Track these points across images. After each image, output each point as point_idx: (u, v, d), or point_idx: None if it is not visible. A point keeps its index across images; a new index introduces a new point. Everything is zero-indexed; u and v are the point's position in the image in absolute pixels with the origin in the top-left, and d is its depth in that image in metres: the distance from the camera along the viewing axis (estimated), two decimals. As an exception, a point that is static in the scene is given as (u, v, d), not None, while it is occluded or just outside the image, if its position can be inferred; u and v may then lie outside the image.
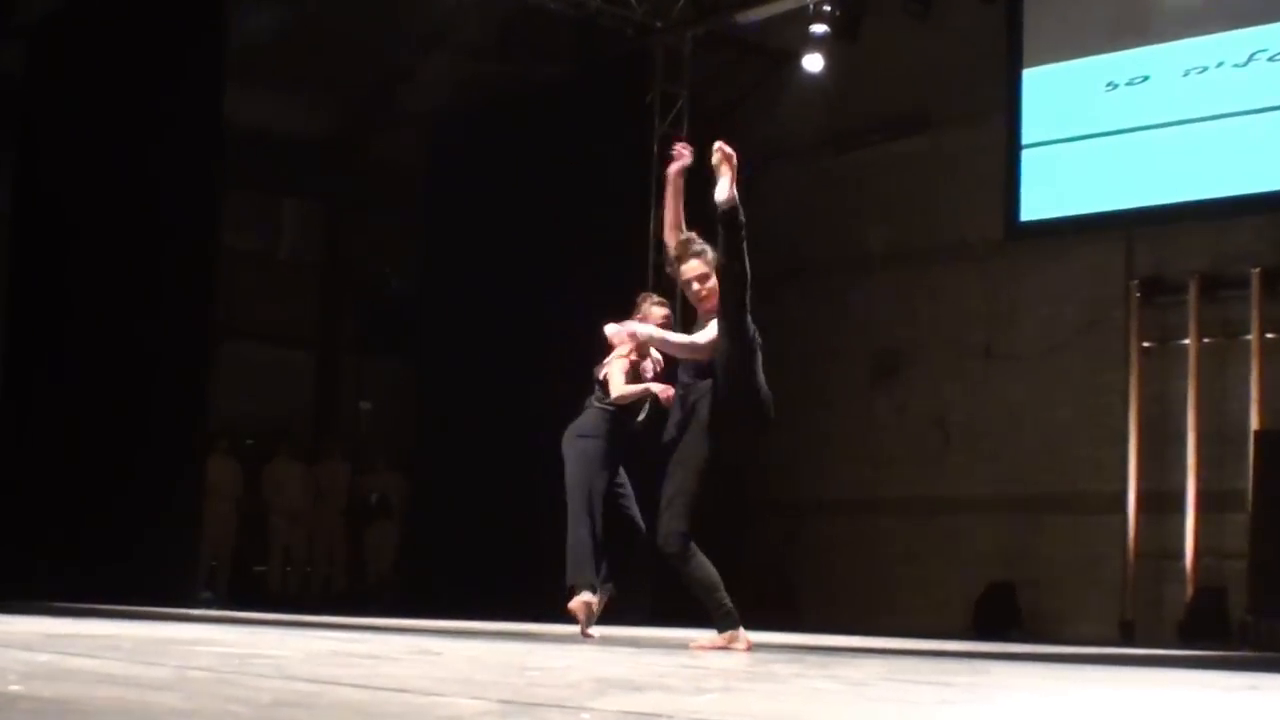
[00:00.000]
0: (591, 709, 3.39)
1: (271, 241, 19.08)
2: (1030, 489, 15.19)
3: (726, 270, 7.17)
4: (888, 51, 16.26)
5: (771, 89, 17.37)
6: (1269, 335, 13.82)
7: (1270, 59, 13.39)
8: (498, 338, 15.66)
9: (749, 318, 7.19)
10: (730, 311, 7.15)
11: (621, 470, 8.88)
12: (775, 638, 9.52)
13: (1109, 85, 14.31)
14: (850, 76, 16.11)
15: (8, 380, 14.01)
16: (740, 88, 17.66)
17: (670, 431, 7.45)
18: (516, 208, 15.64)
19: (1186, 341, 14.26)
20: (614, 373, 8.64)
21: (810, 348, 16.40)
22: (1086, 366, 14.98)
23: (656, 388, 8.27)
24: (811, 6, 14.91)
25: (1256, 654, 11.41)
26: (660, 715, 3.39)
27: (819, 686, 4.76)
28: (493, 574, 14.79)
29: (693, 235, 7.58)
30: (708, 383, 7.27)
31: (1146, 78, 14.09)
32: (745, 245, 7.13)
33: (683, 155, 7.70)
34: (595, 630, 8.64)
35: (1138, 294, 14.66)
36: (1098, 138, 14.38)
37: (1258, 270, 13.92)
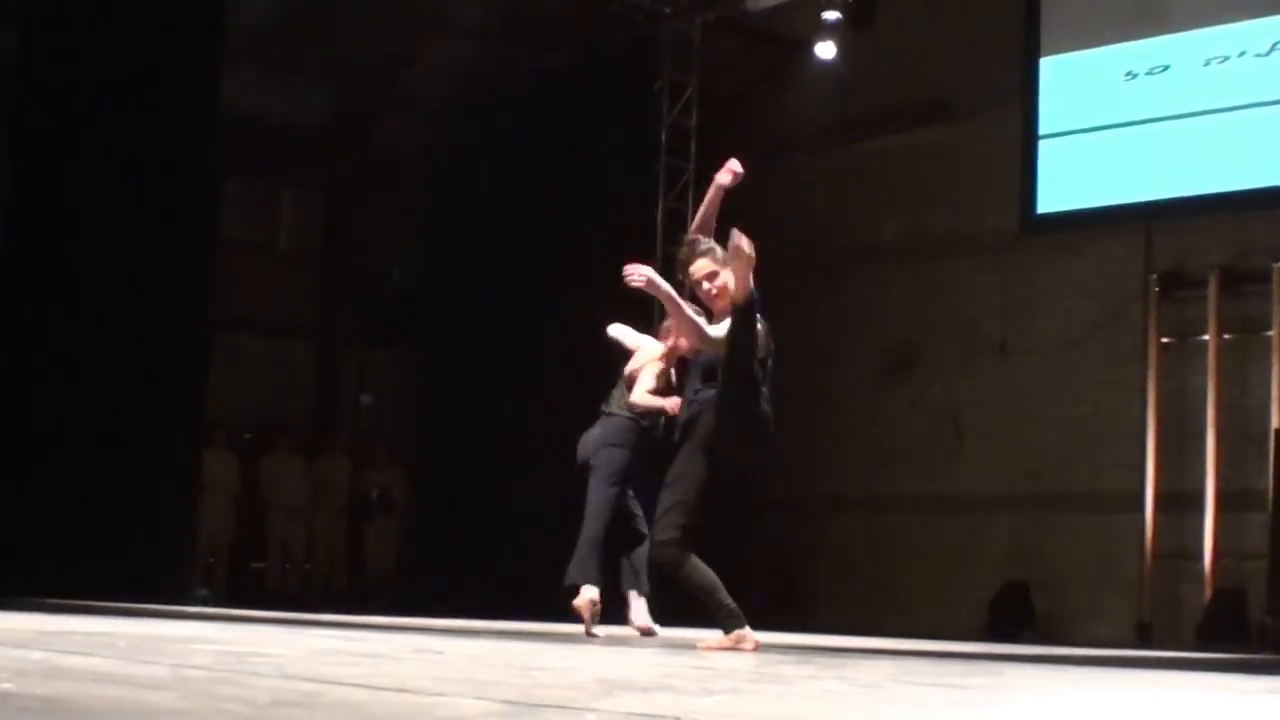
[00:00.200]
0: (596, 710, 3.40)
1: (270, 231, 19.07)
2: (1045, 487, 15.19)
3: (729, 361, 7.14)
4: (901, 39, 16.24)
5: (782, 77, 17.37)
6: (1291, 331, 13.82)
7: (1293, 48, 13.38)
8: (501, 330, 15.66)
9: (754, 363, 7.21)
10: (731, 365, 7.15)
11: (629, 492, 9.01)
12: (784, 638, 9.53)
13: (1128, 75, 14.30)
14: (863, 64, 16.10)
15: (2, 371, 14.01)
16: (750, 75, 17.66)
17: (677, 434, 7.49)
18: (520, 197, 15.63)
19: (1206, 337, 14.25)
20: (644, 376, 8.72)
21: (821, 341, 16.40)
22: (1104, 362, 14.97)
23: (670, 406, 8.31)
24: (824, -8, 14.93)
25: (1276, 657, 11.41)
26: (666, 717, 3.39)
27: (829, 688, 4.76)
28: (497, 572, 14.79)
29: (699, 235, 7.55)
30: (713, 393, 7.25)
31: (1167, 67, 14.07)
32: (755, 335, 7.11)
33: (734, 172, 7.66)
34: (601, 630, 8.68)
35: (1156, 288, 14.65)
36: (1117, 128, 14.37)
37: (1279, 265, 13.91)
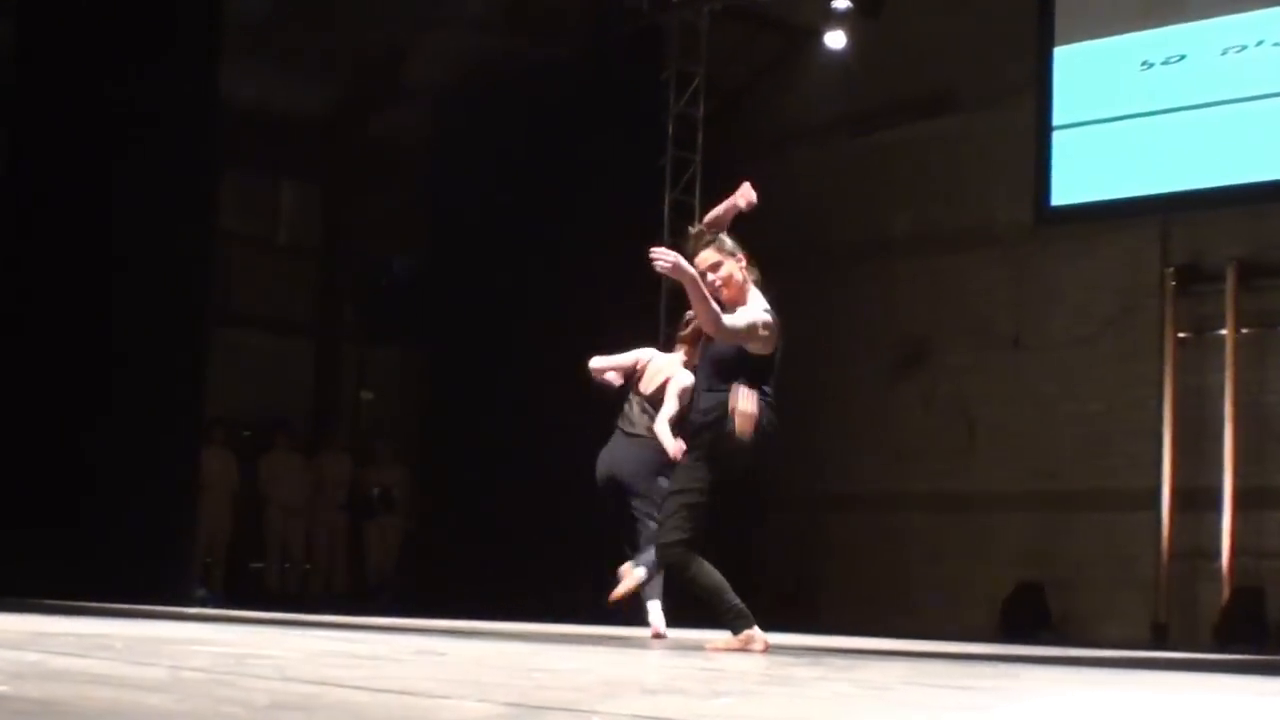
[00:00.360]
0: (601, 713, 3.39)
1: (269, 224, 19.07)
2: (1060, 485, 15.18)
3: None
4: (912, 28, 16.22)
5: (791, 67, 17.36)
6: (1310, 325, 13.82)
7: (1313, 37, 13.36)
8: (505, 325, 15.66)
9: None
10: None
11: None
12: (794, 639, 9.53)
13: (1144, 64, 14.28)
14: (873, 54, 16.08)
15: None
16: (759, 65, 17.64)
17: (690, 439, 7.62)
18: (524, 191, 15.63)
19: (1224, 332, 14.23)
20: (670, 400, 8.78)
21: (831, 337, 16.38)
22: (1119, 358, 14.95)
23: (675, 455, 8.36)
24: (834, -20, 14.92)
25: (1295, 658, 11.40)
26: (673, 720, 3.39)
27: (839, 690, 4.76)
28: (500, 572, 14.80)
29: (704, 228, 7.60)
30: (724, 398, 7.25)
31: (1183, 56, 14.05)
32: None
33: (750, 201, 7.73)
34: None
35: (1173, 282, 14.64)
36: (1132, 119, 14.35)
37: (1298, 258, 13.92)
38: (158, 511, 12.78)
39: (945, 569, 15.82)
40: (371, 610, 13.61)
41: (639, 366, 9.31)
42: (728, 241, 7.40)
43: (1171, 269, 14.68)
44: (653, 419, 9.06)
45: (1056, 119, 14.77)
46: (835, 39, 15.66)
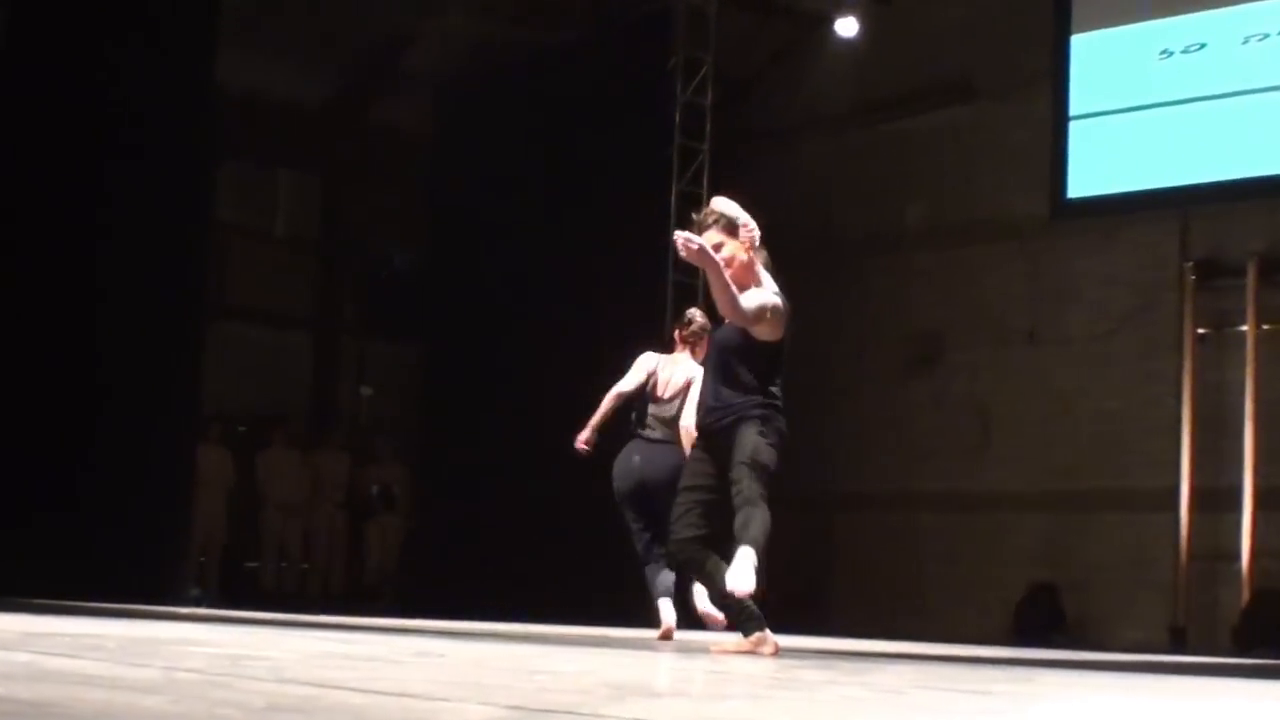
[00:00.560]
0: (605, 716, 3.39)
1: (267, 215, 19.08)
2: (1076, 484, 15.16)
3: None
4: (926, 15, 16.22)
5: (802, 55, 17.34)
6: (1333, 321, 13.81)
7: (1337, 25, 13.35)
8: (507, 319, 15.66)
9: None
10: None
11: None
12: (804, 641, 9.53)
13: (1163, 53, 14.26)
14: (885, 42, 16.08)
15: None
16: (768, 53, 17.63)
17: (702, 440, 7.62)
18: (528, 181, 15.63)
19: (1244, 328, 14.22)
20: (691, 404, 8.80)
21: (841, 332, 16.38)
22: (1137, 354, 14.94)
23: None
24: (845, -34, 14.92)
25: (1317, 662, 11.39)
26: (679, 724, 3.39)
27: (850, 694, 4.75)
28: (501, 572, 14.80)
29: (710, 208, 7.60)
30: (740, 403, 7.28)
31: (1203, 45, 14.04)
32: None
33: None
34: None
35: (1192, 277, 14.62)
36: (1151, 109, 14.34)
37: (1321, 252, 13.91)
38: (151, 509, 12.79)
39: (958, 570, 15.82)
40: (370, 610, 13.63)
41: (651, 378, 9.35)
42: (740, 217, 7.39)
43: (1191, 263, 14.67)
44: (669, 425, 9.11)
45: (1074, 109, 14.76)
46: (847, 26, 15.65)
